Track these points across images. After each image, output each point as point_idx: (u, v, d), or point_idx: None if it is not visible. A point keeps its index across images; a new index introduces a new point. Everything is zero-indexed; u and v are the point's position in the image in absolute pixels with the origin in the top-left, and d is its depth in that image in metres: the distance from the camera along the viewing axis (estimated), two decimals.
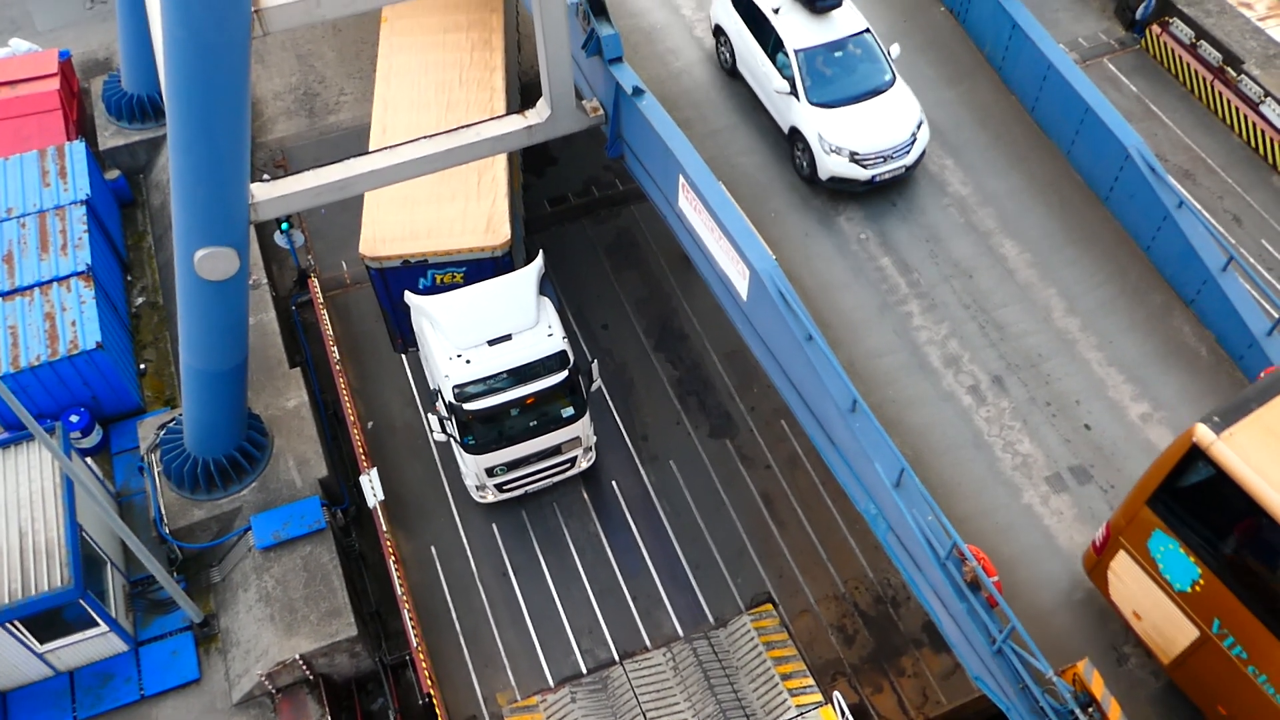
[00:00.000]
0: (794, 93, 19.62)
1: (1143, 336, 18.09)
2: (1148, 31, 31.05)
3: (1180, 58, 30.13)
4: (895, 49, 20.14)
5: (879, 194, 19.80)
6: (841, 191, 19.69)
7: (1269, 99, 28.03)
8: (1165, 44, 30.52)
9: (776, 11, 20.03)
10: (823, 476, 23.45)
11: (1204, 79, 29.53)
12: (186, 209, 17.62)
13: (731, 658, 20.45)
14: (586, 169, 29.58)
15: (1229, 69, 29.12)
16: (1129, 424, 17.19)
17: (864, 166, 19.17)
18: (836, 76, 19.81)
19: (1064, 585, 15.67)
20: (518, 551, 22.77)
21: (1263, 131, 28.20)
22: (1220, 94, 29.15)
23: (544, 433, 21.42)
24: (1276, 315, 17.07)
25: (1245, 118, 28.59)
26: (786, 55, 19.71)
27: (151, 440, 22.55)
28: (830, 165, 19.27)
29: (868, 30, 20.09)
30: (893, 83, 19.90)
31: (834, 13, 20.04)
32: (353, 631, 20.36)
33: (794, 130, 19.92)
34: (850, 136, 19.15)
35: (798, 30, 19.88)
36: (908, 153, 19.41)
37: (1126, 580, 14.12)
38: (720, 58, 21.75)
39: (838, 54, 19.90)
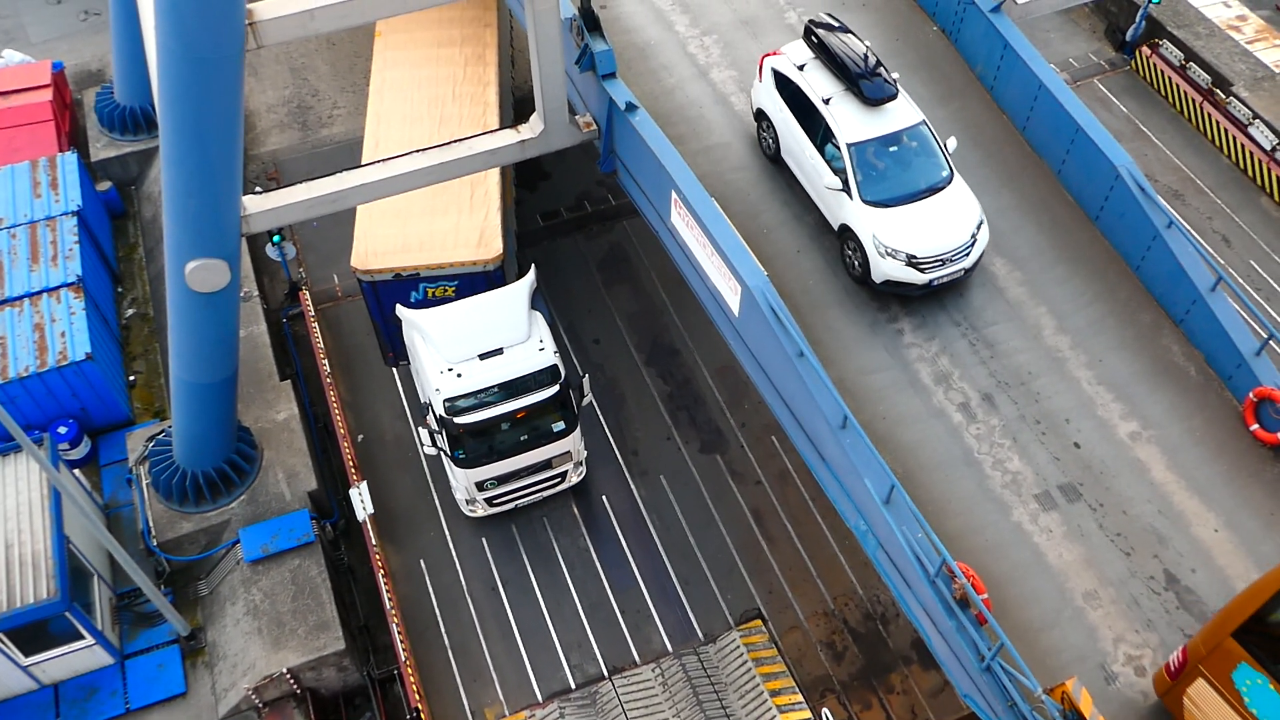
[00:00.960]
0: (846, 189, 18.48)
1: (1132, 355, 18.17)
2: (1138, 53, 31.29)
3: (1170, 79, 30.36)
4: (952, 142, 19.10)
5: None
6: (895, 294, 18.63)
7: (1257, 121, 28.24)
8: (1155, 65, 30.75)
9: (827, 101, 18.78)
10: (813, 493, 23.46)
11: (1193, 100, 29.75)
12: (178, 221, 17.61)
13: (720, 674, 20.40)
14: (579, 184, 29.66)
15: (1218, 91, 29.34)
16: (1118, 442, 17.24)
17: (921, 270, 18.08)
18: (892, 172, 18.64)
19: (1053, 603, 15.68)
20: (507, 566, 22.72)
21: (1251, 153, 28.40)
22: (1209, 115, 29.37)
23: (534, 447, 21.40)
24: (1264, 335, 17.17)
25: (1234, 139, 28.79)
26: (837, 148, 18.56)
27: (140, 452, 22.47)
28: (886, 269, 18.12)
29: (924, 122, 18.93)
30: (951, 179, 18.74)
31: (888, 104, 18.81)
32: (340, 645, 20.27)
33: (844, 228, 18.72)
34: (907, 238, 18.00)
35: (850, 122, 18.60)
36: (967, 255, 18.30)
37: (1206, 709, 13.54)
38: (762, 144, 20.62)
39: (893, 148, 18.71)
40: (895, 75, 19.07)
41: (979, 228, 18.48)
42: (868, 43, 19.35)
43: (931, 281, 18.24)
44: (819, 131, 18.99)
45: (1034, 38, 22.14)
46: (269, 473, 22.43)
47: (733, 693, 20.03)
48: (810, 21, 19.82)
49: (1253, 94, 28.74)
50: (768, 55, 20.32)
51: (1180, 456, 17.09)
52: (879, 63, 19.00)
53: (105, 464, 23.19)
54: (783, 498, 23.67)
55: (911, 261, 18.03)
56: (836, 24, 19.76)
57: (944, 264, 18.18)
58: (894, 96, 18.78)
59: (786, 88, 19.67)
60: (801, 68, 19.47)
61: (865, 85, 18.67)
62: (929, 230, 18.17)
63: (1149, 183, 18.54)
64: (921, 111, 19.11)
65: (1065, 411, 17.56)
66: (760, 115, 20.49)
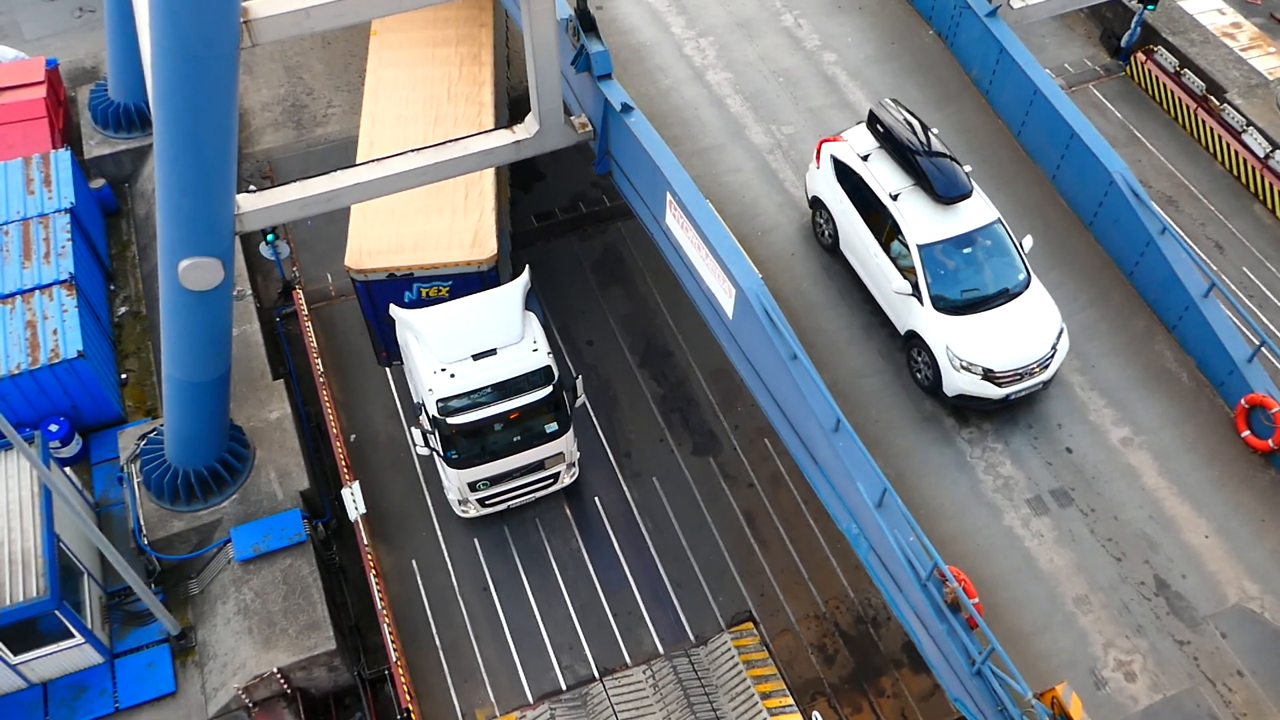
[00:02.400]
0: (915, 294, 17.24)
1: (1125, 361, 18.21)
2: (1133, 59, 31.35)
3: (1165, 86, 30.42)
4: (1028, 241, 17.85)
5: None
6: (966, 407, 17.47)
7: (1251, 128, 28.30)
8: (1150, 72, 30.81)
9: (895, 198, 17.50)
10: (805, 496, 23.46)
11: (1188, 107, 29.81)
12: (172, 219, 17.57)
13: (711, 676, 20.39)
14: (574, 185, 29.64)
15: (1212, 98, 29.41)
16: (1110, 448, 17.27)
17: (998, 384, 16.88)
18: (965, 276, 17.34)
19: (1044, 607, 15.71)
20: (499, 567, 22.69)
21: (1245, 160, 28.46)
22: (1203, 122, 29.42)
23: (527, 448, 21.37)
24: (1257, 342, 17.24)
25: (1228, 146, 28.85)
26: (906, 248, 17.34)
27: (132, 450, 22.41)
28: (960, 383, 16.91)
29: (999, 220, 17.67)
30: (1028, 283, 17.51)
31: (961, 201, 17.49)
32: (331, 645, 20.22)
33: (912, 334, 17.54)
34: (984, 351, 16.77)
35: (920, 221, 17.25)
36: (1047, 367, 17.09)
37: None
38: (818, 233, 19.38)
39: (966, 250, 17.39)
40: (969, 168, 17.90)
41: (1059, 336, 17.28)
42: (935, 130, 18.23)
43: (1008, 396, 17.11)
44: (884, 228, 17.74)
45: (1029, 43, 22.13)
46: (261, 472, 22.38)
47: (723, 695, 20.02)
48: (875, 106, 18.49)
49: (1246, 101, 28.80)
50: (826, 141, 19.04)
51: (1172, 462, 17.13)
52: (933, 139, 17.80)
53: (96, 462, 23.13)
54: (775, 500, 23.67)
55: (988, 375, 16.91)
56: (903, 109, 18.36)
57: (1022, 377, 17.01)
58: (969, 194, 17.42)
59: (848, 179, 18.37)
60: (865, 158, 18.17)
61: (937, 181, 17.32)
62: (1007, 340, 16.95)
63: (1143, 189, 18.58)
64: (996, 209, 17.94)
65: (1057, 416, 17.59)
66: (816, 203, 19.22)
